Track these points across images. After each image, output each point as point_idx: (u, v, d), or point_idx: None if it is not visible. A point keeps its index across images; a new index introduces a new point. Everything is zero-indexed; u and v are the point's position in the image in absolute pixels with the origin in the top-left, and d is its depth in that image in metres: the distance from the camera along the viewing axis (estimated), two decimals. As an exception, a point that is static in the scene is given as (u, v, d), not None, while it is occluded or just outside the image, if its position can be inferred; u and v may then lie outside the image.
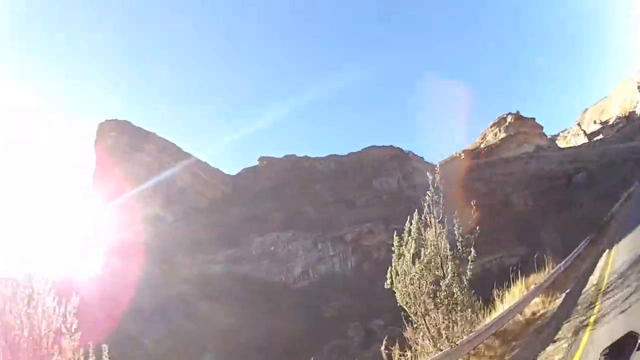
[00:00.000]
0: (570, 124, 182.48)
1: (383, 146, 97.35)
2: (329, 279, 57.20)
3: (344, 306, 49.43)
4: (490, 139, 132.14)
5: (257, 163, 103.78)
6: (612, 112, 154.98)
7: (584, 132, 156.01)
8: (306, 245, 61.33)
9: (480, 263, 47.59)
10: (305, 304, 51.32)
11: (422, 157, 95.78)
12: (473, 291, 10.73)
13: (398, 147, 78.32)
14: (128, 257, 57.59)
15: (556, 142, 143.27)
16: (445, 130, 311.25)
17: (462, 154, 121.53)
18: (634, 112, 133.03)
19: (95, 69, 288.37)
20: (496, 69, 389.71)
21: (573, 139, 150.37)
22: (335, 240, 60.77)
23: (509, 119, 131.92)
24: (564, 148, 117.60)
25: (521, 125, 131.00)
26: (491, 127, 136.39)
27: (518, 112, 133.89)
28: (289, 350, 39.96)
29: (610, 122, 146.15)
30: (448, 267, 10.30)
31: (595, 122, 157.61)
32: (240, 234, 65.35)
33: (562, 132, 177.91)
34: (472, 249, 10.62)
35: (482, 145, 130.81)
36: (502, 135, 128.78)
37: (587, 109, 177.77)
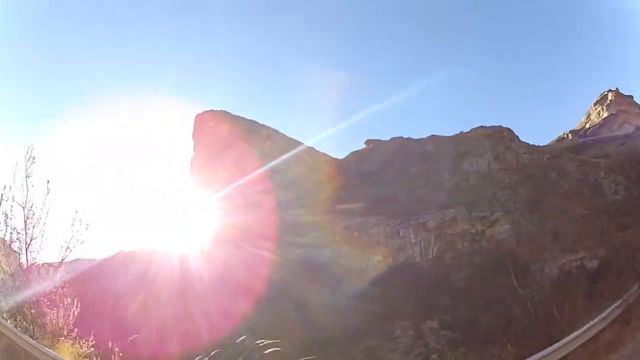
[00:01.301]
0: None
1: (482, 126, 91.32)
2: (407, 268, 54.31)
3: (406, 299, 46.04)
4: (594, 118, 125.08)
5: (364, 146, 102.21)
6: None
7: None
8: (388, 232, 58.75)
9: (558, 264, 45.75)
10: (371, 294, 49.24)
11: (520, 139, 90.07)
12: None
13: (498, 126, 72.65)
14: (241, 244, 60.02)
15: None
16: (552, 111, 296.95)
17: (570, 135, 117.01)
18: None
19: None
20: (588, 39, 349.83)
21: None
22: (417, 227, 57.36)
23: (609, 96, 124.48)
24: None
25: (621, 103, 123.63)
26: (594, 105, 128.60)
27: (617, 89, 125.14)
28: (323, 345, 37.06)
29: None
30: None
31: None
32: (328, 219, 64.39)
33: None
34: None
35: (588, 125, 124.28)
36: (605, 114, 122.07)
37: None
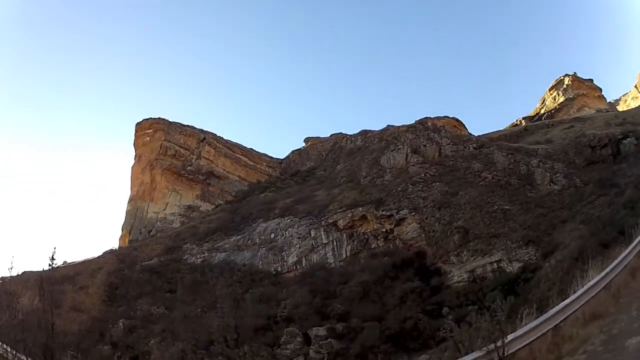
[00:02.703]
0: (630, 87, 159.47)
1: (438, 117, 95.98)
2: (318, 269, 51.93)
3: (306, 303, 43.90)
4: (550, 103, 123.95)
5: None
6: None
7: None
8: (301, 233, 57.00)
9: (468, 269, 43.61)
10: (277, 297, 47.37)
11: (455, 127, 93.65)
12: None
13: (424, 118, 71.22)
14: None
15: (617, 107, 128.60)
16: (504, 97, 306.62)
17: (523, 121, 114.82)
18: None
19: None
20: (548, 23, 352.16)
21: (633, 103, 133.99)
22: (329, 227, 55.19)
23: (566, 81, 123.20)
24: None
25: (579, 87, 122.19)
26: (549, 90, 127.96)
27: (575, 73, 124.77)
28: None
29: None
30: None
31: None
32: (249, 220, 64.39)
33: (623, 95, 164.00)
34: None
35: (543, 111, 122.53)
36: (561, 99, 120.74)
37: None
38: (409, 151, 61.84)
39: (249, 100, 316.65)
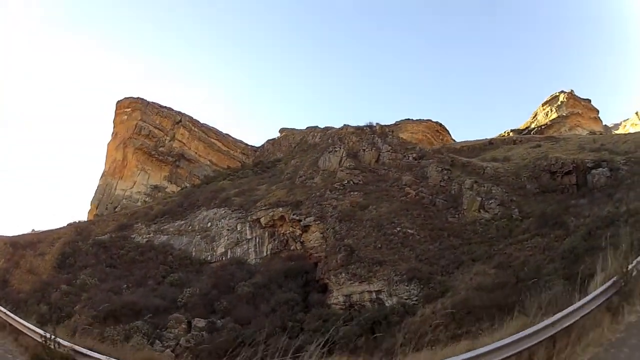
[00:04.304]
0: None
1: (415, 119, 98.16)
2: (238, 263, 52.87)
3: (209, 293, 44.68)
4: (541, 118, 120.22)
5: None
6: None
7: None
8: (231, 225, 57.65)
9: (344, 292, 40.21)
10: (191, 283, 48.40)
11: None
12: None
13: (376, 123, 67.96)
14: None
15: (614, 132, 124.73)
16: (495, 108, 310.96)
17: (510, 133, 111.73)
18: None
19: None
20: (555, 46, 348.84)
21: (632, 130, 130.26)
22: (254, 223, 55.66)
23: (561, 97, 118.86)
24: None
25: (575, 105, 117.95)
26: (543, 105, 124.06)
27: (572, 90, 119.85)
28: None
29: None
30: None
31: None
32: (195, 207, 65.73)
33: (624, 121, 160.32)
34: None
35: (533, 125, 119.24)
36: (554, 115, 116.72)
37: None
38: (344, 154, 60.25)
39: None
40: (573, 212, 40.95)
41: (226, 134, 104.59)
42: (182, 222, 61.67)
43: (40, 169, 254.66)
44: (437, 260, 39.08)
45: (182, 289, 45.40)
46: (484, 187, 49.02)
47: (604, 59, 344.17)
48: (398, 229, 44.03)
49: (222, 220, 58.95)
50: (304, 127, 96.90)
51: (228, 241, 56.63)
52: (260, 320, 36.56)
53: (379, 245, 42.15)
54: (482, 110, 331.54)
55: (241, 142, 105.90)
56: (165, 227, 61.56)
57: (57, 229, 66.69)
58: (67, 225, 69.48)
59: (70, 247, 57.29)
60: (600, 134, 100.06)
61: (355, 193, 52.37)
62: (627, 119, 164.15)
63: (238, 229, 56.80)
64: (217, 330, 37.24)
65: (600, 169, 47.66)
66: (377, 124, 67.77)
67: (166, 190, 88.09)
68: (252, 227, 55.81)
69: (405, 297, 35.83)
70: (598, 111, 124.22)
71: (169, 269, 52.34)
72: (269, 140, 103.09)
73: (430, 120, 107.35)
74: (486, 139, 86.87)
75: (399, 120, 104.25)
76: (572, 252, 30.91)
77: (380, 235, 43.69)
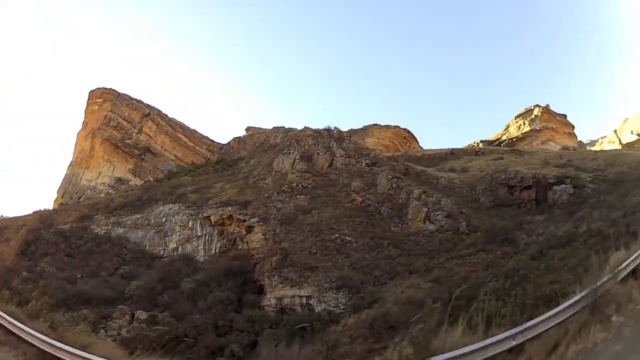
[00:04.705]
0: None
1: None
2: (187, 259, 53.31)
3: (158, 288, 45.04)
4: (513, 131, 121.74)
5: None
6: None
7: (619, 140, 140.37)
8: (183, 221, 58.23)
9: (276, 295, 39.92)
10: (141, 276, 48.83)
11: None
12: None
13: (334, 127, 67.61)
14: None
15: (590, 148, 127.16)
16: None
17: (480, 144, 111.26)
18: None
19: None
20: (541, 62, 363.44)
21: (608, 147, 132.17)
22: (204, 221, 56.16)
23: (535, 111, 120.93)
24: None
25: (549, 120, 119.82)
26: (516, 118, 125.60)
27: (548, 105, 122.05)
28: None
29: None
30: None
31: (632, 133, 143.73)
32: (153, 201, 66.14)
33: (601, 138, 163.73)
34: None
35: (504, 137, 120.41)
36: (527, 128, 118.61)
37: (627, 118, 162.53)
38: (297, 157, 60.09)
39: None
40: (526, 228, 39.81)
41: (193, 130, 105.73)
42: (140, 215, 62.01)
43: (40, 169, 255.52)
44: (371, 270, 38.26)
45: (130, 281, 45.94)
46: (432, 197, 47.95)
47: (593, 75, 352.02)
48: (336, 235, 43.37)
49: (176, 216, 59.26)
50: (271, 127, 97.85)
51: (180, 237, 56.98)
52: (196, 317, 37.10)
53: (314, 251, 41.69)
54: (457, 119, 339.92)
55: (207, 138, 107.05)
56: (123, 219, 61.95)
57: (24, 216, 68.25)
58: (33, 213, 70.61)
59: (34, 234, 57.89)
60: (574, 149, 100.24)
61: (302, 196, 52.06)
62: (605, 137, 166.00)
63: (189, 226, 57.16)
64: (157, 324, 37.24)
65: (563, 185, 46.38)
66: (335, 127, 67.52)
67: (130, 183, 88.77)
68: (203, 225, 56.17)
69: (333, 305, 35.42)
70: (573, 127, 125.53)
71: (122, 262, 52.54)
72: (235, 138, 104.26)
73: (398, 127, 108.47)
74: (449, 148, 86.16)
75: (367, 124, 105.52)
76: (517, 271, 28.95)
77: (317, 240, 43.19)
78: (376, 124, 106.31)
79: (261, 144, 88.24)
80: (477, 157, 74.16)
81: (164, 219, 60.14)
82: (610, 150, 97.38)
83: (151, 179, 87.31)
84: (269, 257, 42.34)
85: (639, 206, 34.82)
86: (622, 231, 26.89)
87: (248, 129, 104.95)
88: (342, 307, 34.68)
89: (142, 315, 38.86)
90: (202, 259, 53.88)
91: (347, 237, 43.01)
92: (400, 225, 45.76)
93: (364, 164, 58.74)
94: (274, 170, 60.32)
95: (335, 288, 36.18)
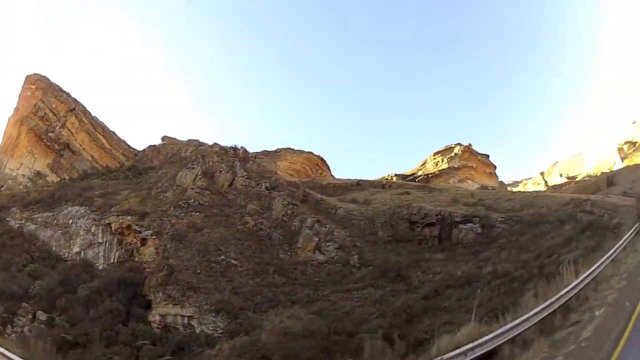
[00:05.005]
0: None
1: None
2: (88, 266, 53.24)
3: (48, 288, 45.97)
4: (430, 167, 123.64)
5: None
6: (584, 170, 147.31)
7: (545, 182, 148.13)
8: (87, 226, 58.60)
9: (160, 312, 39.94)
10: (41, 276, 49.37)
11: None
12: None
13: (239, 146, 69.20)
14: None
15: (512, 189, 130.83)
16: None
17: (394, 177, 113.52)
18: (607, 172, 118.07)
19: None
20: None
21: (532, 188, 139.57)
22: (106, 228, 56.25)
23: (456, 149, 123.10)
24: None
25: (469, 159, 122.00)
26: (434, 155, 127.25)
27: (470, 144, 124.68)
28: None
29: (578, 179, 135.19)
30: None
31: (561, 175, 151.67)
32: (64, 201, 65.81)
33: (526, 179, 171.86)
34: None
35: (420, 173, 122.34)
36: (444, 165, 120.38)
37: (557, 162, 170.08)
38: (200, 173, 59.95)
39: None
40: (423, 266, 39.12)
41: (112, 132, 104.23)
42: (50, 214, 61.57)
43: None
44: (253, 296, 37.96)
45: (35, 281, 46.50)
46: (325, 227, 47.72)
47: (527, 119, 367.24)
48: (222, 257, 43.60)
49: (82, 219, 59.03)
50: (186, 139, 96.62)
51: (83, 241, 56.71)
52: (87, 324, 37.66)
53: (199, 271, 41.68)
54: (378, 150, 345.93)
55: (124, 142, 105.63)
56: (35, 216, 61.66)
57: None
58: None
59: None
60: (493, 189, 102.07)
61: (197, 214, 52.24)
62: (530, 178, 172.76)
63: (92, 231, 56.84)
64: (54, 327, 37.93)
65: (470, 224, 45.85)
66: (241, 147, 68.64)
67: (47, 178, 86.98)
68: (104, 232, 55.56)
69: (212, 328, 35.45)
70: (495, 167, 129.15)
71: (30, 259, 52.72)
72: (150, 146, 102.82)
73: (311, 153, 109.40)
74: (355, 179, 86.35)
75: (280, 147, 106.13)
76: (406, 310, 29.50)
77: (203, 260, 43.26)
78: (290, 148, 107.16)
79: (173, 155, 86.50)
80: (384, 190, 75.43)
81: (70, 220, 60.21)
82: (530, 191, 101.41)
83: (67, 177, 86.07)
84: (157, 273, 42.14)
85: (555, 248, 34.89)
86: (533, 273, 28.81)
87: (164, 138, 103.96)
88: (219, 331, 34.67)
89: (42, 316, 39.68)
90: (101, 266, 54.07)
91: (232, 260, 43.36)
92: (289, 253, 45.76)
93: (263, 187, 59.29)
94: (176, 184, 60.37)
95: (215, 311, 36.35)
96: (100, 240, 56.93)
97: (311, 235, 46.70)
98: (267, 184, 60.23)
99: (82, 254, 56.37)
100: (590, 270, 19.64)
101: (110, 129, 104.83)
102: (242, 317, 34.95)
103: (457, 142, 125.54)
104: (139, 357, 32.63)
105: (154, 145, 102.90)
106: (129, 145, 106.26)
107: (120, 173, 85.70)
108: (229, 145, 68.43)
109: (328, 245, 45.09)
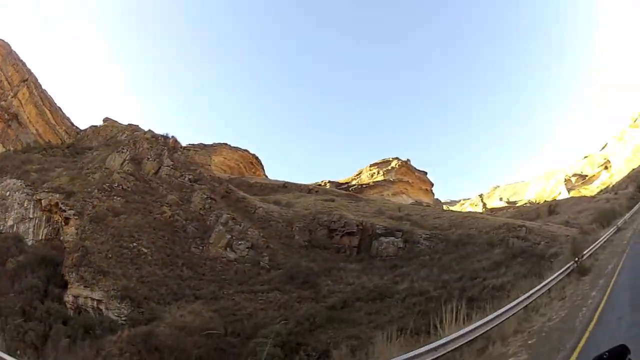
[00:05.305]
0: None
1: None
2: (19, 241, 54.36)
3: None
4: (365, 178, 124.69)
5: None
6: (525, 197, 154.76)
7: (484, 204, 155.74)
8: (22, 200, 59.65)
9: (73, 293, 39.80)
10: None
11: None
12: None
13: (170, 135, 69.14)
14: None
15: (448, 208, 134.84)
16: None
17: (328, 184, 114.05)
18: (549, 200, 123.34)
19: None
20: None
21: (469, 209, 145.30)
22: (37, 203, 55.63)
23: (393, 163, 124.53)
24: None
25: (406, 174, 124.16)
26: (370, 166, 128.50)
27: (408, 160, 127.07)
28: None
29: (518, 204, 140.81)
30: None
31: (501, 199, 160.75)
32: (3, 173, 67.23)
33: (464, 199, 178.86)
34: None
35: (354, 182, 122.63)
36: (380, 177, 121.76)
37: (499, 186, 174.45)
38: (128, 158, 59.99)
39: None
40: (335, 275, 38.71)
41: (59, 107, 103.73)
42: None
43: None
44: (159, 287, 37.82)
45: None
46: (240, 225, 47.86)
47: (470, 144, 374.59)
48: (134, 244, 43.63)
49: (17, 192, 60.94)
50: (126, 123, 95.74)
51: (16, 215, 58.07)
52: (10, 297, 38.08)
53: (110, 256, 41.55)
54: (321, 157, 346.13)
55: (69, 119, 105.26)
56: None
57: None
58: None
59: None
60: (427, 205, 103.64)
61: (119, 198, 51.63)
62: (468, 199, 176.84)
63: (25, 206, 58.73)
64: None
65: (392, 237, 45.24)
66: (172, 136, 68.70)
67: None
68: (35, 207, 56.97)
69: (116, 315, 35.51)
70: (432, 184, 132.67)
71: None
72: (92, 126, 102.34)
73: (247, 151, 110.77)
74: (283, 181, 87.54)
75: (217, 142, 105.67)
76: (309, 318, 28.69)
77: (116, 245, 43.12)
78: (226, 144, 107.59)
79: (111, 137, 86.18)
80: (309, 194, 77.14)
81: (8, 193, 61.37)
82: (462, 212, 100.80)
83: (11, 148, 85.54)
84: (73, 253, 41.97)
85: (480, 272, 33.92)
86: (454, 295, 26.88)
87: (105, 119, 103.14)
88: (123, 318, 34.59)
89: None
90: (30, 242, 55.02)
91: (143, 249, 43.49)
92: (200, 248, 45.59)
93: (186, 179, 59.34)
94: (104, 167, 59.47)
95: (120, 297, 36.34)
96: (31, 216, 57.99)
97: (224, 232, 46.77)
98: (191, 176, 60.30)
99: (15, 227, 57.62)
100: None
101: (57, 105, 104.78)
102: (145, 307, 34.74)
103: (395, 156, 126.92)
104: (49, 335, 32.69)
105: (96, 126, 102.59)
106: (72, 123, 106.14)
107: (59, 150, 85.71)
108: (163, 133, 69.21)
109: (240, 244, 45.12)
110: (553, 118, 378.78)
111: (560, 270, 21.61)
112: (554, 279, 20.01)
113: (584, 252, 25.18)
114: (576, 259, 22.66)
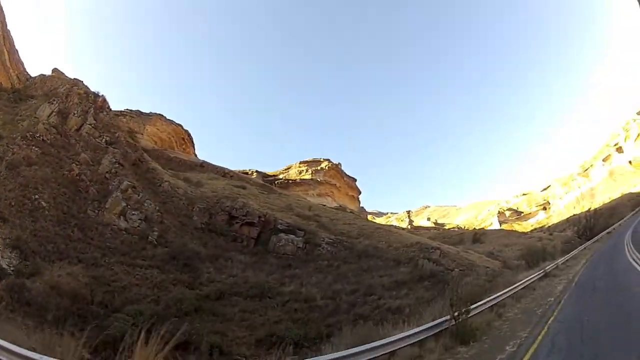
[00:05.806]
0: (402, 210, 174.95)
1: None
2: None
3: None
4: (293, 174, 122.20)
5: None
6: (455, 221, 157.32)
7: (411, 221, 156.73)
8: None
9: None
10: None
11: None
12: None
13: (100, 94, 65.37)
14: None
15: (371, 218, 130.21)
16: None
17: (255, 173, 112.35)
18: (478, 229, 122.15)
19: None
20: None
21: (395, 223, 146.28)
22: None
23: (324, 164, 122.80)
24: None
25: (334, 177, 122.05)
26: (300, 163, 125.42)
27: (340, 164, 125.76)
28: None
29: (445, 227, 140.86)
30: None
31: (429, 220, 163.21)
32: None
33: (392, 213, 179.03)
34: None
35: (282, 176, 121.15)
36: (307, 176, 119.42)
37: (430, 206, 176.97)
38: (56, 110, 56.80)
39: None
40: (221, 264, 37.05)
41: (16, 49, 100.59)
42: None
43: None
44: (47, 243, 34.71)
45: None
46: (138, 195, 45.99)
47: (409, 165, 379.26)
48: (37, 196, 40.10)
49: None
50: (72, 77, 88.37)
51: None
52: None
53: (13, 204, 37.83)
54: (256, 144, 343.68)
55: (22, 64, 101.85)
56: None
57: None
58: None
59: None
60: (351, 212, 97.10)
61: (36, 149, 47.02)
62: (396, 213, 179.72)
63: None
64: None
65: (293, 236, 43.52)
66: (102, 95, 66.07)
67: None
68: None
69: (7, 264, 32.47)
70: (360, 192, 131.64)
71: None
72: (40, 74, 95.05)
73: (181, 126, 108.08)
74: (203, 160, 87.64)
75: (153, 112, 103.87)
76: (176, 304, 27.33)
77: (21, 195, 39.46)
78: (161, 115, 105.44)
79: (54, 89, 75.58)
80: (223, 178, 75.32)
81: None
82: (375, 222, 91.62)
83: None
84: None
85: (378, 289, 31.74)
86: (342, 308, 25.93)
87: (54, 70, 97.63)
88: (11, 269, 29.14)
89: None
90: None
91: (43, 202, 39.95)
92: (96, 212, 42.66)
93: (103, 140, 56.85)
94: (34, 116, 55.87)
95: (12, 247, 32.60)
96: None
97: (120, 199, 44.46)
98: (108, 138, 57.71)
99: None
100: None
101: (16, 47, 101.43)
102: (32, 261, 31.93)
103: (327, 158, 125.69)
104: None
105: (44, 75, 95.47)
106: (24, 69, 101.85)
107: (5, 94, 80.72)
108: (95, 91, 66.13)
109: (133, 214, 43.14)
110: (510, 147, 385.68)
111: (426, 325, 13.08)
112: (404, 338, 11.81)
113: (479, 301, 16.81)
114: (455, 313, 13.73)
